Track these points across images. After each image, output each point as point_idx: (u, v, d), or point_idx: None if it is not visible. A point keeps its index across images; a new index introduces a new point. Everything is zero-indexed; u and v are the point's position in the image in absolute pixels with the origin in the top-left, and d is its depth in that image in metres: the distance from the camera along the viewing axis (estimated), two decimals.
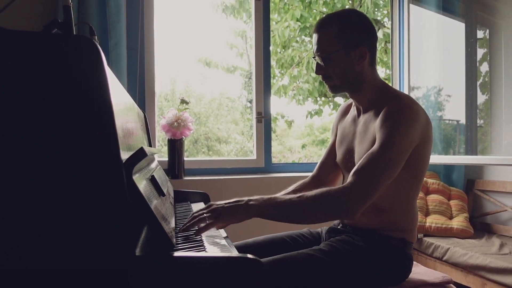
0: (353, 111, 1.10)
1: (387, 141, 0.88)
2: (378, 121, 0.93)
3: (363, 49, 0.96)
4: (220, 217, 0.84)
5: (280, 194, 1.17)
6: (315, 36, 0.99)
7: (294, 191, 1.18)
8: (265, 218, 0.87)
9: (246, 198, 0.87)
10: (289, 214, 0.88)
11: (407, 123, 0.90)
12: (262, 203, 0.86)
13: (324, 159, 1.20)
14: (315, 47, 0.99)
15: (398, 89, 2.21)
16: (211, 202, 0.90)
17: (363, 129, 1.01)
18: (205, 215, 0.84)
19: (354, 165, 1.00)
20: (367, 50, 0.97)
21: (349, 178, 0.88)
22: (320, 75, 1.01)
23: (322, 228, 1.15)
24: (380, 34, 3.63)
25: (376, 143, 0.90)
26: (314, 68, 1.04)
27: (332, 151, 1.18)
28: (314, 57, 1.02)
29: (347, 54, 0.96)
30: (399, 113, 0.90)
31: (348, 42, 0.96)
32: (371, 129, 0.97)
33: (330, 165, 1.18)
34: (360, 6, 3.78)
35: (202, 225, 0.83)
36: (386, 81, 1.09)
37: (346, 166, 1.07)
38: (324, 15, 1.02)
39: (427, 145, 0.96)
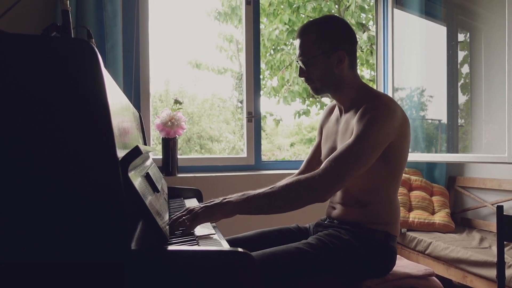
0: (336, 111, 1.14)
1: (361, 134, 0.93)
2: (355, 117, 0.97)
3: (341, 53, 1.01)
4: (198, 217, 0.86)
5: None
6: (297, 41, 1.04)
7: None
8: (242, 213, 0.90)
9: (221, 198, 0.91)
10: (263, 205, 0.90)
11: (382, 119, 0.94)
12: (237, 199, 0.89)
13: (310, 157, 1.25)
14: (297, 52, 1.04)
15: (382, 89, 2.26)
16: (188, 206, 0.92)
17: (344, 127, 1.05)
18: (183, 218, 0.87)
19: None
20: (345, 54, 1.01)
21: (322, 165, 0.92)
22: (303, 78, 1.06)
23: (310, 223, 1.20)
24: (365, 37, 3.69)
25: (352, 136, 0.95)
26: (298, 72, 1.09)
27: (317, 149, 1.24)
28: (297, 61, 1.06)
29: (326, 58, 1.01)
30: (376, 110, 0.95)
31: (326, 47, 1.00)
32: (351, 126, 1.01)
33: (315, 162, 1.24)
34: (346, 10, 3.83)
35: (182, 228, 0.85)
36: (371, 82, 1.14)
37: None
38: (306, 21, 1.06)
39: (404, 142, 1.00)
